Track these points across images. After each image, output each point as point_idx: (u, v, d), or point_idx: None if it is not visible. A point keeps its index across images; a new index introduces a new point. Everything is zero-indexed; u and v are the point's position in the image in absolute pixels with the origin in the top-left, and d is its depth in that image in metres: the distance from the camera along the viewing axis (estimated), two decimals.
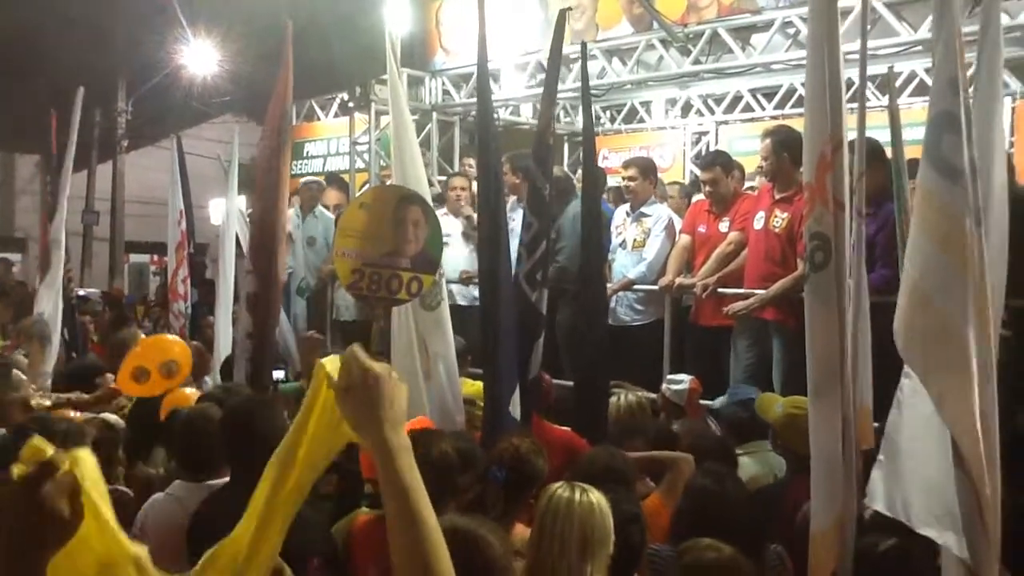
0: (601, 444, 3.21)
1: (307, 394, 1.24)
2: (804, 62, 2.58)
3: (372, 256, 3.59)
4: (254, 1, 11.86)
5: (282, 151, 4.07)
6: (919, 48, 5.43)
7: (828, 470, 2.41)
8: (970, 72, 2.24)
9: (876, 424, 3.38)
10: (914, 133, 6.47)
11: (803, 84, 2.71)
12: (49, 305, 5.20)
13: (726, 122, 8.30)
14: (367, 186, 7.15)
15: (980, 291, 1.99)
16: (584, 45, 4.33)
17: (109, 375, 4.33)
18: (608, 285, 4.63)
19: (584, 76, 4.10)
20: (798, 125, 3.52)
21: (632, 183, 5.17)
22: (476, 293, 5.70)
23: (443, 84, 7.79)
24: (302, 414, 1.24)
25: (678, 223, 5.15)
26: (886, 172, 3.78)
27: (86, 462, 1.02)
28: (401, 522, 1.10)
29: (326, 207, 7.10)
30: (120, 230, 18.26)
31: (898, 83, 6.92)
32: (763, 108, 8.03)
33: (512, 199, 5.42)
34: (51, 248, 5.33)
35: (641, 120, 8.94)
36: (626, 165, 5.41)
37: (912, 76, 6.97)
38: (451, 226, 5.87)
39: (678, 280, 4.72)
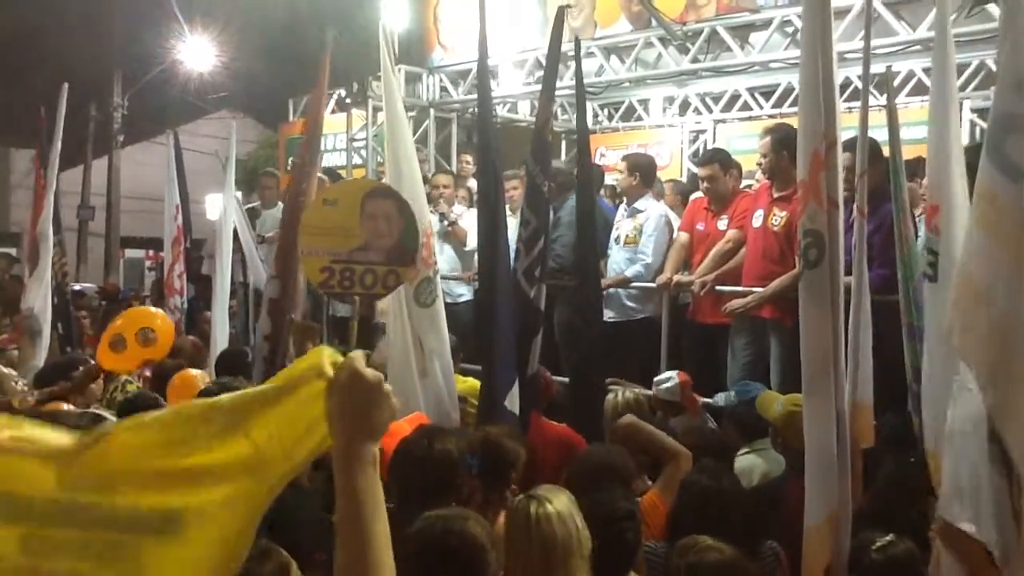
0: (598, 441, 3.21)
1: (293, 367, 1.20)
2: None
3: (341, 252, 3.50)
4: None
5: (312, 164, 4.15)
6: (917, 48, 5.44)
7: (822, 465, 2.42)
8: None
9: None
10: (912, 133, 6.50)
11: (798, 82, 2.72)
12: (38, 300, 5.17)
13: (724, 120, 8.31)
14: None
15: None
16: (578, 42, 4.32)
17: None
18: (603, 280, 4.63)
19: (578, 73, 4.10)
20: (796, 124, 3.52)
21: (620, 176, 5.21)
22: (459, 290, 5.76)
23: (440, 81, 7.78)
24: (277, 382, 1.20)
25: (675, 220, 5.15)
26: (884, 172, 3.79)
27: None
28: (347, 536, 1.08)
29: None
30: (115, 225, 18.22)
31: (896, 82, 6.94)
32: (761, 107, 8.04)
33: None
34: (39, 242, 5.31)
35: (639, 118, 8.94)
36: (622, 159, 5.44)
37: (910, 76, 6.98)
38: (434, 224, 5.89)
39: (676, 277, 4.72)
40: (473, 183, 7.42)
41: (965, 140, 6.42)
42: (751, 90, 8.00)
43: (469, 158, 7.72)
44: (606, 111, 9.19)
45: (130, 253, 20.26)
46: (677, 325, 4.76)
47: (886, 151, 3.41)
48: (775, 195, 4.37)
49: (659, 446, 3.11)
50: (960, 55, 6.30)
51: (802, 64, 2.53)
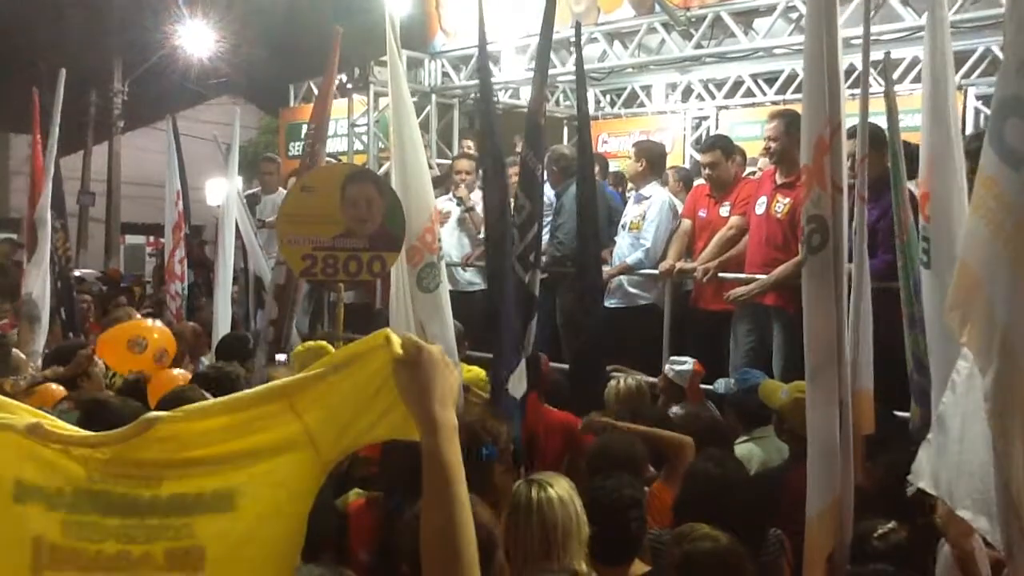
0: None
1: (352, 347, 1.22)
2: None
3: (323, 240, 3.47)
4: None
5: (318, 154, 4.14)
6: (923, 34, 5.39)
7: (824, 452, 2.42)
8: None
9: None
10: (915, 120, 6.45)
11: (803, 68, 2.69)
12: (37, 284, 5.16)
13: (726, 107, 8.27)
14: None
15: None
16: (578, 27, 4.29)
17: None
18: (605, 268, 4.62)
19: (579, 59, 4.07)
20: (800, 110, 3.51)
21: (627, 161, 5.21)
22: (474, 279, 5.74)
23: (442, 66, 7.74)
24: (335, 360, 1.21)
25: (679, 206, 5.13)
26: (887, 158, 3.77)
27: None
28: (438, 499, 1.13)
29: None
30: (116, 211, 18.21)
31: (900, 69, 6.90)
32: (764, 93, 8.00)
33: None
34: (37, 227, 5.29)
35: (641, 104, 8.90)
36: (633, 145, 5.46)
37: (915, 62, 6.93)
38: (454, 209, 5.87)
39: (678, 264, 4.71)
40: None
41: (969, 127, 6.40)
42: (754, 76, 7.95)
43: (471, 143, 7.70)
44: (608, 97, 9.15)
45: (130, 239, 20.25)
46: (680, 312, 4.76)
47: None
48: (779, 182, 4.36)
49: (662, 440, 3.12)
50: (965, 42, 6.26)
51: (807, 48, 2.51)
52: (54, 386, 3.65)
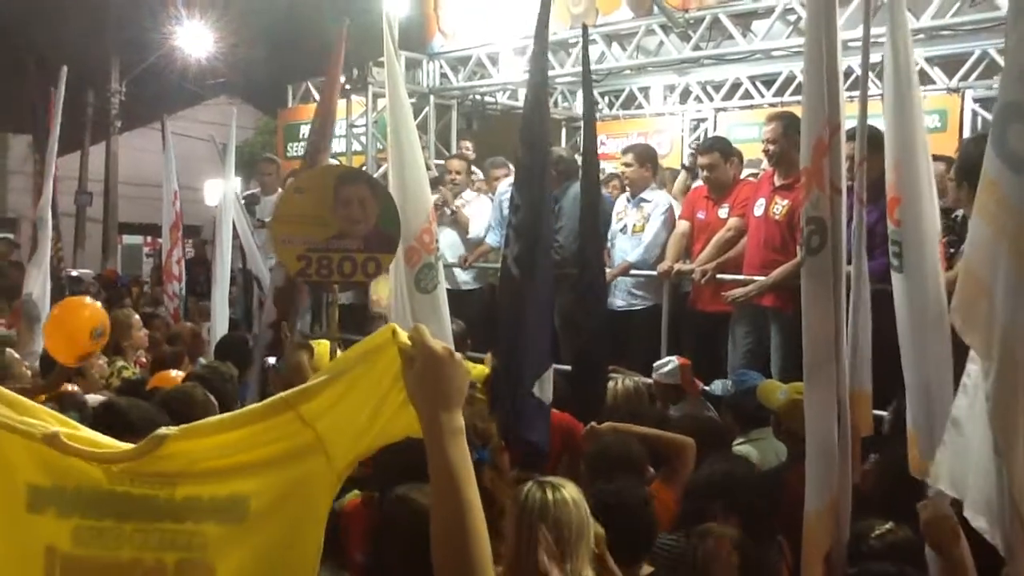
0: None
1: (357, 347, 1.20)
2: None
3: (317, 241, 3.45)
4: None
5: (325, 151, 4.13)
6: (921, 36, 5.41)
7: (822, 452, 2.42)
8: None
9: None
10: None
11: (803, 70, 2.69)
12: (37, 285, 5.16)
13: (725, 109, 8.27)
14: (363, 168, 7.12)
15: None
16: (585, 28, 4.28)
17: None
18: (606, 270, 4.62)
19: (585, 60, 4.06)
20: (798, 113, 3.52)
21: (627, 169, 5.16)
22: (463, 277, 5.76)
23: (441, 67, 7.74)
24: (341, 366, 1.20)
25: (678, 209, 5.14)
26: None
27: None
28: (445, 503, 1.11)
29: None
30: (113, 211, 18.17)
31: None
32: (762, 95, 8.00)
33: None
34: (37, 227, 5.29)
35: (639, 106, 8.91)
36: (624, 152, 5.40)
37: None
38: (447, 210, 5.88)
39: (677, 266, 4.71)
40: (473, 169, 7.41)
41: (967, 130, 6.41)
42: (752, 78, 7.96)
43: (469, 145, 7.70)
44: (606, 99, 9.15)
45: (128, 239, 20.22)
46: (677, 313, 4.76)
47: None
48: (777, 184, 4.37)
49: (655, 440, 3.12)
50: (962, 44, 6.28)
51: (806, 50, 2.51)
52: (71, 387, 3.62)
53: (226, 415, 1.22)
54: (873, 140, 3.95)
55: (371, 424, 1.19)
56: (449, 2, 7.65)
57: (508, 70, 7.25)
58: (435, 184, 5.22)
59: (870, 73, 7.99)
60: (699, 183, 5.34)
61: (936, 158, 4.29)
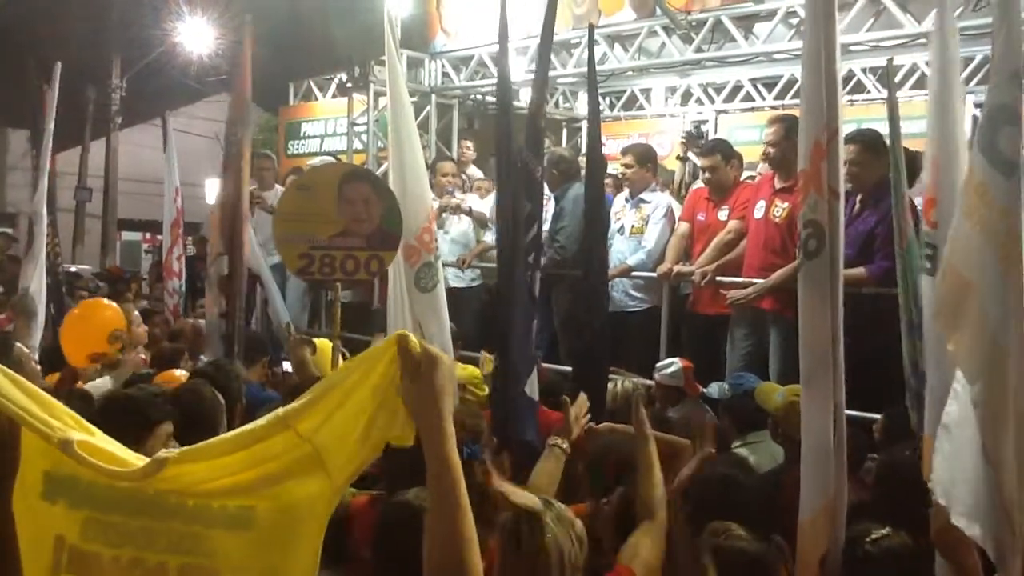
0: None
1: (372, 353, 1.22)
2: None
3: (320, 239, 3.46)
4: None
5: (243, 137, 4.16)
6: (923, 41, 5.41)
7: (818, 457, 2.42)
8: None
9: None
10: (913, 127, 6.45)
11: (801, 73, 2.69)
12: (33, 280, 5.16)
13: (725, 111, 8.29)
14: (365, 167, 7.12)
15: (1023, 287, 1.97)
16: (591, 29, 4.27)
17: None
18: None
19: (591, 60, 4.06)
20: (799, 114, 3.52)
21: (628, 171, 5.16)
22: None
23: (442, 66, 7.74)
24: (341, 377, 1.21)
25: (678, 210, 5.14)
26: (886, 164, 3.78)
27: None
28: (444, 507, 1.14)
29: None
30: (113, 207, 18.17)
31: (899, 76, 6.92)
32: (763, 98, 8.02)
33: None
34: (33, 222, 5.28)
35: (640, 107, 8.92)
36: (624, 152, 5.39)
37: (914, 69, 6.96)
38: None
39: (676, 268, 4.72)
40: (473, 169, 7.42)
41: (967, 134, 6.42)
42: (754, 81, 7.97)
43: (470, 144, 7.71)
44: (608, 100, 9.16)
45: (126, 235, 20.21)
46: (676, 315, 4.76)
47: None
48: (777, 186, 4.37)
49: (666, 444, 3.11)
50: (964, 49, 6.27)
51: (804, 53, 2.50)
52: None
53: (226, 436, 1.24)
54: (872, 144, 3.99)
55: (367, 435, 1.21)
56: (451, 1, 7.66)
57: (510, 70, 7.25)
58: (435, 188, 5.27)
59: (870, 77, 8.05)
60: (698, 183, 5.34)
61: None
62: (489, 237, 5.78)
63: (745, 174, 5.40)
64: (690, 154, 6.36)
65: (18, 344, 3.75)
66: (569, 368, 4.18)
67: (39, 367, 4.06)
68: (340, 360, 3.53)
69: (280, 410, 1.21)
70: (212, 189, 10.11)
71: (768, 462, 3.35)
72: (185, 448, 1.21)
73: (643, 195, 5.12)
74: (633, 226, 5.07)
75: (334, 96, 8.85)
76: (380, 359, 1.19)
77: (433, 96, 7.79)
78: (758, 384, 3.63)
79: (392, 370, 1.18)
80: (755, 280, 4.29)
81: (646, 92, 8.78)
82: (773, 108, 7.43)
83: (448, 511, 1.13)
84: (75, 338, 3.94)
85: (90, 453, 1.16)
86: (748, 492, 2.54)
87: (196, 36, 16.26)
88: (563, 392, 3.80)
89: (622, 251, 5.06)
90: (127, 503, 1.16)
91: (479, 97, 8.37)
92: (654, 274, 4.82)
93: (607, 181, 5.70)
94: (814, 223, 2.45)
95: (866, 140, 3.98)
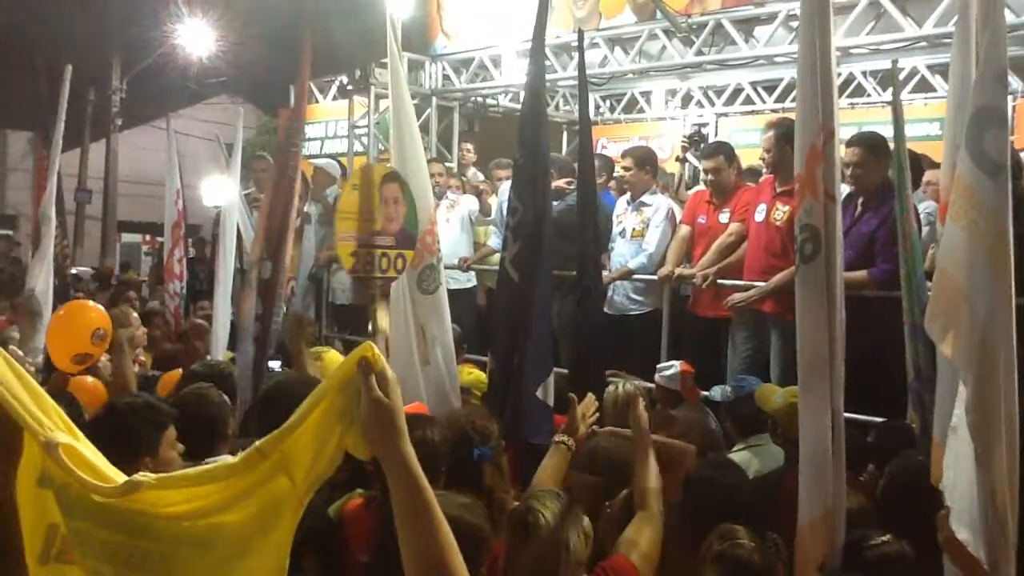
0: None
1: (340, 367, 1.22)
2: None
3: (364, 237, 3.57)
4: None
5: (299, 148, 4.19)
6: (923, 44, 5.42)
7: (817, 461, 2.41)
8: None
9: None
10: (914, 130, 6.46)
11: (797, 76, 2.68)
12: (40, 281, 5.15)
13: (726, 114, 8.30)
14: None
15: (1011, 289, 1.98)
16: (581, 33, 4.29)
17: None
18: (605, 273, 4.63)
19: (581, 64, 4.07)
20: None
21: (627, 173, 5.16)
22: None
23: (443, 69, 7.75)
24: (317, 403, 1.21)
25: (678, 213, 5.14)
26: (888, 167, 3.78)
27: None
28: (418, 522, 1.14)
29: None
30: (113, 209, 18.17)
31: (900, 79, 6.92)
32: (763, 101, 8.03)
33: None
34: (40, 223, 5.29)
35: (641, 110, 8.93)
36: (623, 155, 5.40)
37: (914, 72, 6.97)
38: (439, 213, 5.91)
39: (677, 270, 4.72)
40: (474, 171, 7.43)
41: None
42: (754, 84, 7.98)
43: (470, 146, 7.72)
44: (608, 103, 9.17)
45: (126, 237, 20.21)
46: (677, 318, 4.76)
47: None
48: (778, 189, 4.37)
49: (657, 446, 3.11)
50: None
51: (800, 56, 2.50)
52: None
53: (203, 469, 1.24)
54: (875, 147, 3.99)
55: (327, 443, 1.20)
56: (452, 4, 7.67)
57: (510, 72, 7.27)
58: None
59: (871, 80, 8.05)
60: (699, 186, 5.34)
61: (936, 165, 4.29)
62: (494, 241, 5.78)
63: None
64: (689, 156, 6.37)
65: (12, 347, 3.75)
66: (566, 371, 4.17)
67: (42, 368, 4.06)
68: None
69: (259, 443, 1.22)
70: (209, 191, 10.11)
71: (771, 464, 3.35)
72: (162, 475, 1.22)
73: (644, 198, 5.12)
74: (634, 229, 5.07)
75: (335, 98, 8.86)
76: (347, 371, 1.19)
77: (434, 98, 7.80)
78: (759, 386, 3.63)
79: (352, 383, 1.17)
80: (756, 283, 4.29)
81: (646, 95, 8.79)
82: (773, 111, 7.43)
83: (420, 534, 1.13)
84: (59, 339, 3.92)
85: (71, 459, 1.16)
86: (738, 496, 2.54)
87: (196, 38, 16.27)
88: (561, 394, 3.82)
89: (623, 254, 5.06)
90: (97, 514, 1.17)
91: (480, 99, 8.38)
92: (655, 277, 4.82)
93: (611, 184, 5.74)
94: (810, 227, 2.45)
95: (868, 143, 3.99)
